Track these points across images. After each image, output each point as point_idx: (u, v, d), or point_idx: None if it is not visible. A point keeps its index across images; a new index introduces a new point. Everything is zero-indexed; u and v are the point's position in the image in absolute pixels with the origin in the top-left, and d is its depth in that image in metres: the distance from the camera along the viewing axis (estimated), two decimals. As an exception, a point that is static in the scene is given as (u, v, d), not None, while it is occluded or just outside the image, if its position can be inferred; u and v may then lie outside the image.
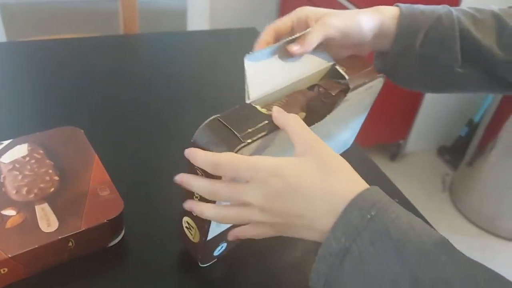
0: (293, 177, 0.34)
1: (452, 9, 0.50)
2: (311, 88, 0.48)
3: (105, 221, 0.46)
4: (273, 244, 0.50)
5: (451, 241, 0.32)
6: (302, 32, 0.46)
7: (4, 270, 0.42)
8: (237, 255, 0.50)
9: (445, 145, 2.01)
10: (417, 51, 0.49)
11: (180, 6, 2.56)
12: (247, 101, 0.42)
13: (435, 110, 1.87)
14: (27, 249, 0.42)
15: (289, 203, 0.34)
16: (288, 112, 0.39)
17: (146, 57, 0.90)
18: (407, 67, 0.50)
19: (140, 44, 0.97)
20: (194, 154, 0.37)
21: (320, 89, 0.47)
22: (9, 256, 0.41)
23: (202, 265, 0.48)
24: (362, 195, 0.33)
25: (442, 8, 0.50)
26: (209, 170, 0.36)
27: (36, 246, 0.43)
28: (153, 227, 0.53)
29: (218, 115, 0.38)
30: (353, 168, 0.37)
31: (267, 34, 0.48)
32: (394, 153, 1.95)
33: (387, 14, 0.49)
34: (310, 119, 0.44)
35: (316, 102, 0.46)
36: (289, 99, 0.45)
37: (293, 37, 0.45)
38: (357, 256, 0.32)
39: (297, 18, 0.49)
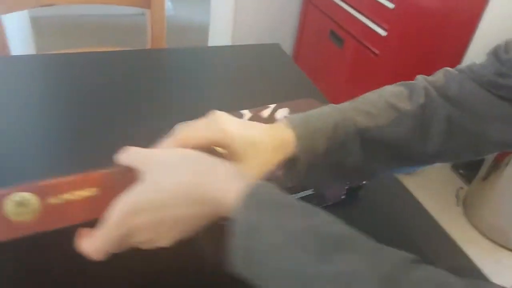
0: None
1: (345, 112, 0.49)
2: None
3: None
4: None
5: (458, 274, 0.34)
6: None
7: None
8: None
9: (460, 160, 2.03)
10: (321, 163, 0.48)
11: (203, 21, 2.63)
12: None
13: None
14: None
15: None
16: None
17: (172, 71, 0.95)
18: (318, 177, 0.51)
19: (166, 58, 1.03)
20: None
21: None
22: None
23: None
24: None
25: (336, 116, 0.49)
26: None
27: None
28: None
29: None
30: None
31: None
32: (409, 166, 1.97)
33: (288, 147, 0.46)
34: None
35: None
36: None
37: None
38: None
39: (205, 141, 0.43)
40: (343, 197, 0.65)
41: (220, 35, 2.24)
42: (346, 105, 0.51)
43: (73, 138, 0.72)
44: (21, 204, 0.30)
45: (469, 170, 1.95)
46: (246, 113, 0.73)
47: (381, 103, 0.50)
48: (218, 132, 0.42)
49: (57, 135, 0.73)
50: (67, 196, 0.32)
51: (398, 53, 1.69)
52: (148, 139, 0.38)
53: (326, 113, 0.49)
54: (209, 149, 0.43)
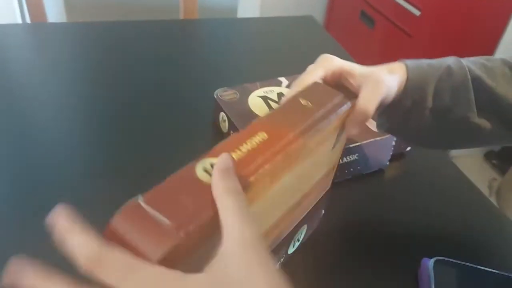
0: None
1: (460, 59, 0.47)
2: None
3: None
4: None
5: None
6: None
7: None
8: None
9: (493, 150, 1.96)
10: (428, 104, 0.45)
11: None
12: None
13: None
14: None
15: None
16: None
17: (205, 41, 0.93)
18: (417, 122, 0.46)
19: (199, 29, 1.01)
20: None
21: None
22: None
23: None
24: None
25: (449, 59, 0.47)
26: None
27: None
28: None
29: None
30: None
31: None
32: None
33: (399, 73, 0.44)
34: None
35: None
36: None
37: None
38: None
39: (330, 72, 0.44)
40: (387, 163, 0.62)
41: (249, 8, 2.22)
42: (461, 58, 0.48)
43: (107, 109, 0.70)
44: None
45: (502, 161, 1.88)
46: (284, 80, 0.70)
47: (496, 60, 0.48)
48: (340, 64, 0.44)
49: (91, 104, 0.71)
50: (245, 147, 0.31)
51: (432, 34, 1.62)
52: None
53: (440, 59, 0.47)
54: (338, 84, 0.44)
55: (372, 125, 0.61)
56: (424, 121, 0.45)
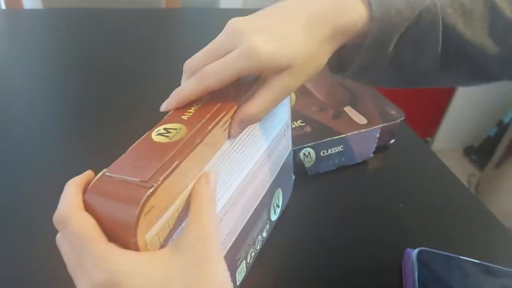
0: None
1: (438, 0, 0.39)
2: None
3: None
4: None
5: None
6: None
7: None
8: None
9: (473, 145, 1.99)
10: (388, 57, 0.39)
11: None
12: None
13: (464, 109, 1.85)
14: None
15: None
16: None
17: (184, 31, 0.92)
18: (374, 73, 0.41)
19: (180, 18, 0.99)
20: None
21: None
22: None
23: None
24: None
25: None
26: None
27: None
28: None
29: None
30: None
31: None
32: (420, 150, 1.94)
33: (352, 29, 0.36)
34: None
35: None
36: None
37: None
38: None
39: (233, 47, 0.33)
40: (372, 155, 0.62)
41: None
42: None
43: (81, 97, 0.69)
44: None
45: (482, 156, 1.91)
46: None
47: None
48: (249, 62, 0.31)
49: (65, 92, 0.69)
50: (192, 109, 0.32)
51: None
52: (164, 98, 0.33)
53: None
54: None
55: (357, 117, 0.61)
56: (381, 71, 0.41)
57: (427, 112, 1.83)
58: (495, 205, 1.74)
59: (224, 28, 0.34)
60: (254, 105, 0.33)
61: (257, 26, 0.33)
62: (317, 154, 0.57)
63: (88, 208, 0.26)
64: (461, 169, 1.93)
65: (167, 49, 0.83)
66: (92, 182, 0.26)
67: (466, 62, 0.40)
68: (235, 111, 0.33)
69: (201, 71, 0.33)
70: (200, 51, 0.35)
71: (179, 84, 0.35)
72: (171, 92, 0.34)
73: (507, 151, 1.68)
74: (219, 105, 0.32)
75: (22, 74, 0.69)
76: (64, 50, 0.78)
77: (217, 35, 0.35)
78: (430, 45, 0.39)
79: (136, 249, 0.25)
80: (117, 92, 0.68)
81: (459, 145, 2.02)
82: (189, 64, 0.35)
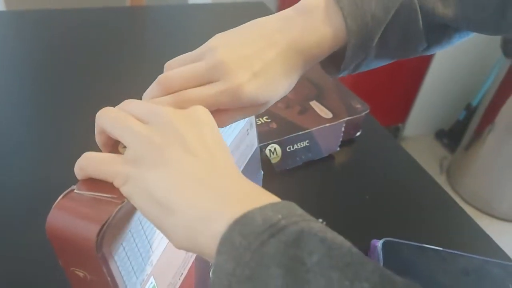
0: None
1: None
2: None
3: None
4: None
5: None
6: None
7: None
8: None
9: (443, 129, 2.04)
10: (376, 50, 0.40)
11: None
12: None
13: (434, 94, 1.89)
14: None
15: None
16: None
17: (151, 30, 0.91)
18: (370, 62, 0.42)
19: (146, 17, 0.98)
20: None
21: None
22: None
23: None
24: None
25: None
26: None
27: None
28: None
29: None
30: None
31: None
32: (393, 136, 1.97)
33: (329, 48, 0.37)
34: None
35: None
36: None
37: None
38: None
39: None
40: (338, 149, 0.63)
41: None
42: None
43: (48, 100, 0.67)
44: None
45: (453, 140, 1.96)
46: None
47: None
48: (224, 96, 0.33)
49: (31, 96, 0.67)
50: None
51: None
52: (128, 97, 0.33)
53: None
54: None
55: (323, 112, 0.62)
56: (377, 59, 0.42)
57: (397, 98, 1.86)
58: (464, 187, 1.80)
59: (208, 50, 0.36)
60: (220, 119, 0.33)
61: (240, 58, 0.34)
62: (283, 150, 0.57)
63: (51, 227, 0.26)
64: (433, 153, 1.97)
65: (135, 50, 0.82)
66: (60, 198, 0.27)
67: (453, 32, 0.42)
68: None
69: (183, 96, 0.34)
70: (181, 69, 0.35)
71: (149, 82, 0.34)
72: (138, 90, 0.34)
73: (475, 134, 1.73)
74: None
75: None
76: (28, 54, 0.76)
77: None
78: (413, 34, 0.40)
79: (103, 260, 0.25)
80: (83, 96, 0.67)
81: (431, 130, 2.07)
82: (167, 80, 0.35)
